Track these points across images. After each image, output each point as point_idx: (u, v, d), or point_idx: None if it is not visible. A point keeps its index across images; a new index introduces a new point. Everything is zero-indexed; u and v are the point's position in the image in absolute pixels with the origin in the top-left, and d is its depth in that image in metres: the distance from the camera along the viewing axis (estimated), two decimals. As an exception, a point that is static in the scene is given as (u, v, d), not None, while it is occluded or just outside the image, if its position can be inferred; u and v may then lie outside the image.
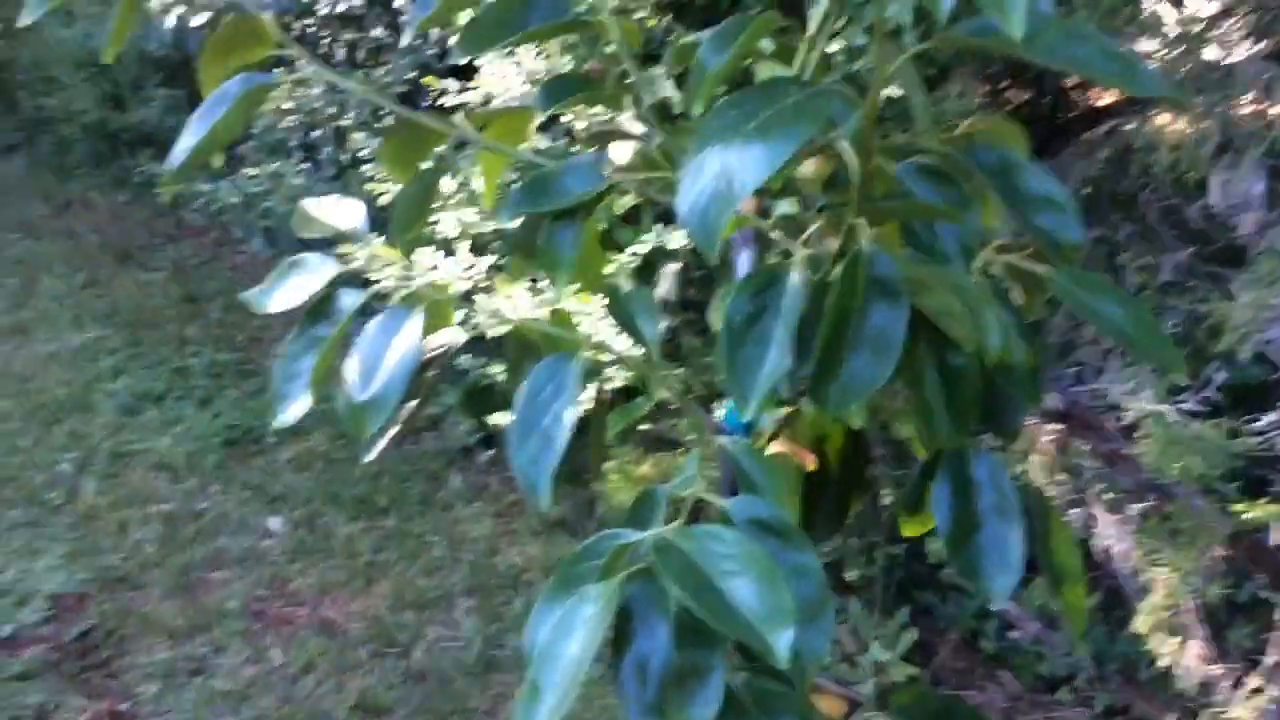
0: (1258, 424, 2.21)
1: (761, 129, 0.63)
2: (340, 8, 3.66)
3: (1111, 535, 2.24)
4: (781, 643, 0.65)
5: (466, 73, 3.13)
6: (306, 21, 3.93)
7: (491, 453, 3.66)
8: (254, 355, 4.30)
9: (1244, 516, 2.28)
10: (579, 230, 0.86)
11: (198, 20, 3.97)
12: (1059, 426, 2.18)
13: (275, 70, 0.93)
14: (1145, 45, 2.19)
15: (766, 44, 0.87)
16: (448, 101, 2.99)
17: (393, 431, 0.85)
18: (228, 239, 5.15)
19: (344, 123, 3.78)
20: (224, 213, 4.37)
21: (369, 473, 3.54)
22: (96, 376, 4.14)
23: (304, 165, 3.99)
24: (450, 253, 2.93)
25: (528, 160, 0.90)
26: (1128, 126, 2.09)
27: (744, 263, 0.88)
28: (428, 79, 3.19)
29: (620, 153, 0.92)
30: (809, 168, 0.85)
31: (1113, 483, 2.28)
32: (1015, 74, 2.62)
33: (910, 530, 0.89)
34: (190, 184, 4.54)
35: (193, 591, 3.10)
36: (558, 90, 0.88)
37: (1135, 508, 2.27)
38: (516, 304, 2.23)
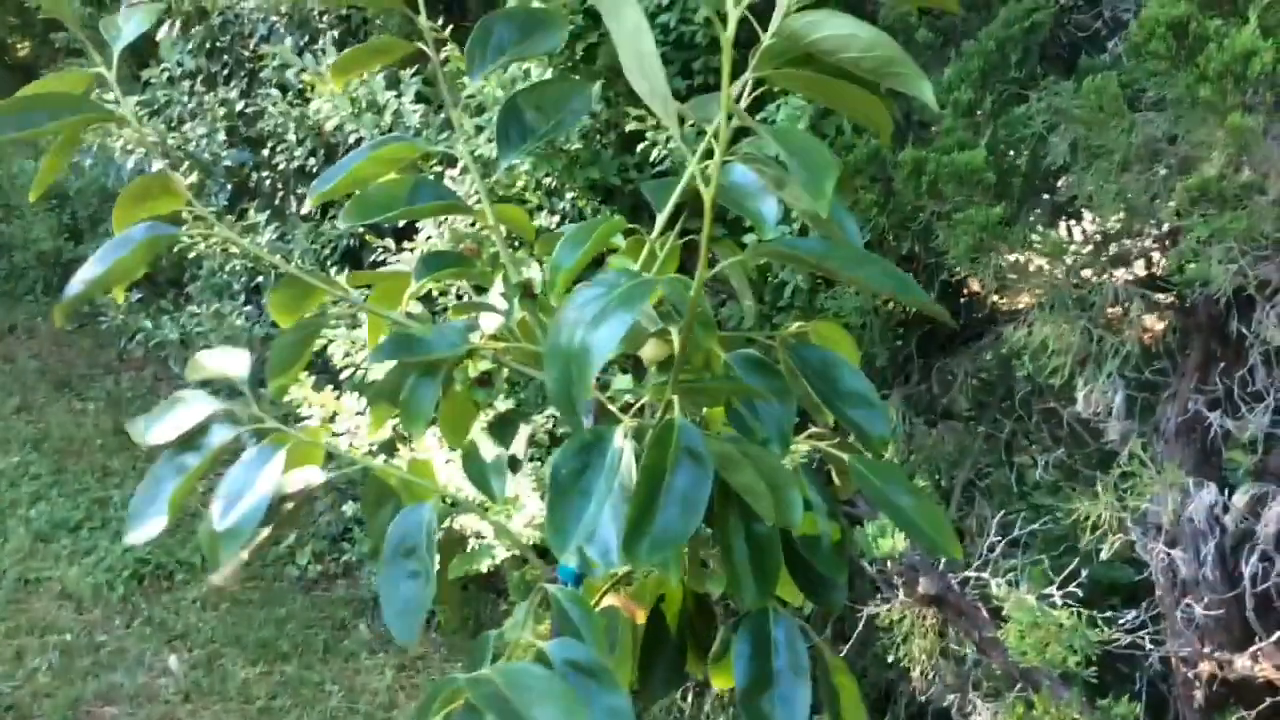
0: (1124, 622, 2.31)
1: (595, 321, 0.74)
2: (295, 163, 3.83)
3: (985, 721, 2.31)
4: (575, 760, 0.73)
5: (410, 232, 3.28)
6: (264, 174, 4.10)
7: (402, 604, 3.66)
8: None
9: (1114, 712, 2.36)
10: (439, 386, 0.96)
11: (158, 164, 4.13)
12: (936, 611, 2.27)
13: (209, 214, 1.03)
14: (1036, 261, 2.38)
15: (619, 240, 1.00)
16: (389, 259, 3.13)
17: (243, 556, 0.92)
18: (166, 374, 5.20)
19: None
20: (163, 347, 4.45)
21: (275, 617, 3.54)
22: (14, 502, 4.13)
23: (247, 308, 4.10)
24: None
25: (400, 321, 1.01)
26: (1007, 332, 2.24)
27: (586, 426, 0.99)
28: (370, 236, 3.34)
29: (489, 323, 1.03)
30: (649, 349, 0.97)
31: (988, 669, 2.36)
32: (917, 281, 2.80)
33: (719, 681, 0.97)
34: (134, 318, 4.62)
35: (80, 726, 3.05)
36: (433, 264, 1.00)
37: (1010, 696, 2.35)
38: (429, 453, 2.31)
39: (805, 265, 0.85)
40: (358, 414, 3.06)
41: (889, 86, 0.77)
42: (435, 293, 2.70)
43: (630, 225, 0.98)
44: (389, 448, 2.89)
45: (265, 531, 0.92)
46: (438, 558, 0.93)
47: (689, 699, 2.90)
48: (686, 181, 0.92)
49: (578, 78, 2.71)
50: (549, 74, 2.93)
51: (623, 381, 0.98)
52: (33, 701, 3.11)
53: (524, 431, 1.07)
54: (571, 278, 0.91)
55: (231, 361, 0.99)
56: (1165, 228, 1.95)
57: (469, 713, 0.83)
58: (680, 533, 0.84)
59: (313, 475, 0.97)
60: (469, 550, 1.02)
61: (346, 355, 3.14)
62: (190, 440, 0.93)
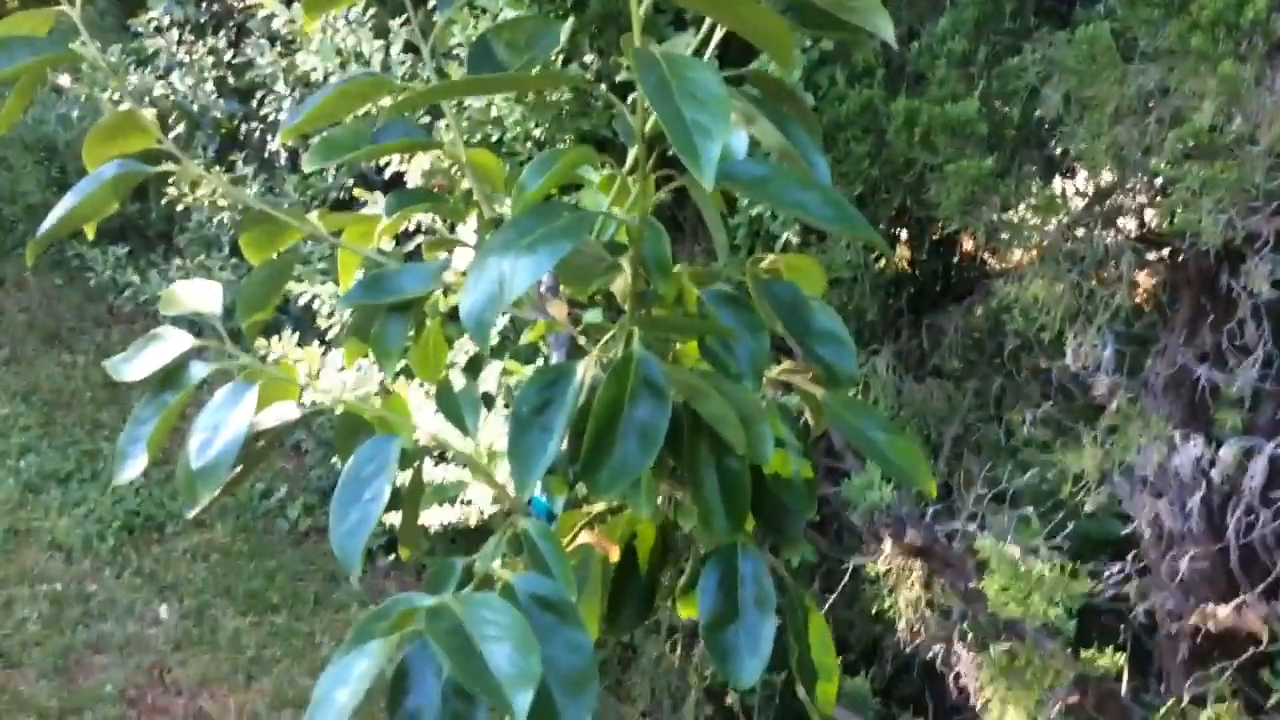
0: (1110, 575, 2.32)
1: (531, 245, 0.73)
2: (284, 115, 3.79)
3: (969, 672, 2.32)
4: (520, 702, 0.71)
5: (400, 184, 3.26)
6: (253, 125, 4.07)
7: (393, 556, 3.68)
8: (165, 443, 4.31)
9: (1097, 663, 2.37)
10: (409, 323, 0.95)
11: (149, 114, 4.09)
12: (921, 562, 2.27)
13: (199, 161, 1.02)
14: (1028, 216, 2.36)
15: (593, 175, 0.99)
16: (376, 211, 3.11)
17: (214, 494, 0.91)
18: (154, 326, 5.18)
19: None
20: (152, 302, 4.43)
21: (265, 568, 3.54)
22: (3, 453, 4.12)
23: (233, 259, 4.07)
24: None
25: (372, 259, 1.00)
26: (997, 285, 2.23)
27: (557, 361, 0.98)
28: (359, 189, 3.31)
29: (461, 259, 1.02)
30: (619, 284, 0.95)
31: (974, 621, 2.37)
32: (909, 236, 2.78)
33: (684, 611, 0.97)
34: (122, 273, 4.60)
35: (71, 673, 3.06)
36: (405, 199, 0.99)
37: (996, 648, 2.36)
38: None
39: (743, 191, 0.83)
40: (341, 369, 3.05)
41: (849, 20, 0.76)
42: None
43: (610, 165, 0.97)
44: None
45: (239, 469, 0.92)
46: (389, 487, 0.90)
47: (678, 650, 2.91)
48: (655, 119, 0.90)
49: (554, 18, 2.68)
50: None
51: (593, 315, 0.97)
52: (22, 650, 3.12)
53: (495, 367, 1.06)
54: (535, 201, 0.90)
55: (205, 296, 0.98)
56: (1158, 181, 1.94)
57: (425, 641, 0.81)
58: (639, 463, 0.83)
59: (287, 411, 0.96)
60: (437, 486, 1.03)
61: (331, 315, 3.12)
62: (169, 379, 0.93)
